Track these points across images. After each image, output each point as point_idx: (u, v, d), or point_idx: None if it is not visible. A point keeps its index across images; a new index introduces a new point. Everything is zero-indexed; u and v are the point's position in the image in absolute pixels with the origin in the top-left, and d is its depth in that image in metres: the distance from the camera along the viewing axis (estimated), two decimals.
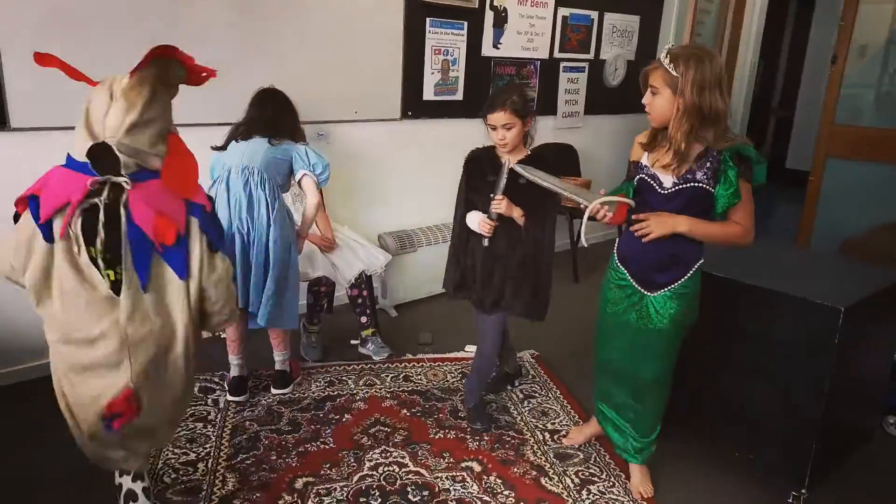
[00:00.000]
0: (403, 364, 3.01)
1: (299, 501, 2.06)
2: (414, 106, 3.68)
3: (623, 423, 2.19)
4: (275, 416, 2.54)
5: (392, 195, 3.75)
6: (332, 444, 2.37)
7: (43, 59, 1.63)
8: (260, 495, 2.08)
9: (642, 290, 2.02)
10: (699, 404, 2.38)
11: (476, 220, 2.31)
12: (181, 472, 2.17)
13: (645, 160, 1.99)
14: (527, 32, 4.13)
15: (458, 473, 2.25)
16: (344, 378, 2.85)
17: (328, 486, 2.15)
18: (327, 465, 2.25)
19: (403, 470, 2.25)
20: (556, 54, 4.35)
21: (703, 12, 4.62)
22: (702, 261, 1.98)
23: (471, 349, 3.18)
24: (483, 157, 2.37)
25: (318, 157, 2.53)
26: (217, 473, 2.17)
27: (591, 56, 4.59)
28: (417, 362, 3.03)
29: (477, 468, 2.28)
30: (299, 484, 2.14)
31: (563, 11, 4.29)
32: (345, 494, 2.11)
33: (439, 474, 2.24)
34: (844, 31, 4.47)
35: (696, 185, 1.87)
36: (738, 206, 1.86)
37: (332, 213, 3.15)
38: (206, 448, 2.31)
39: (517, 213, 2.28)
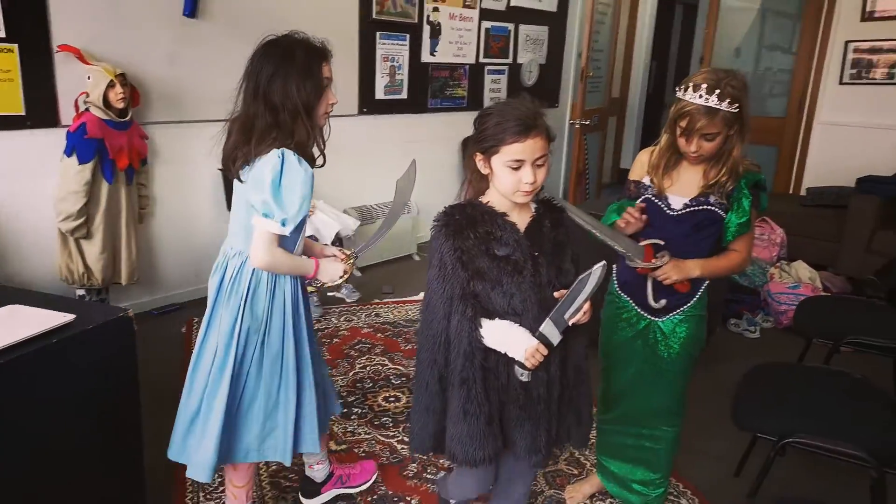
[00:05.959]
0: (373, 306, 3.82)
1: None
2: (368, 103, 4.48)
3: (629, 480, 2.01)
4: None
5: (354, 176, 4.53)
6: (328, 356, 3.15)
7: (65, 47, 2.88)
8: None
9: (648, 317, 1.87)
10: None
11: (522, 348, 1.40)
12: None
13: (647, 180, 1.84)
14: (457, 42, 5.00)
15: None
16: (327, 317, 3.63)
17: (332, 378, 2.93)
18: (329, 369, 3.02)
19: (385, 367, 3.07)
20: (482, 59, 5.25)
21: (598, 23, 5.60)
22: (707, 281, 1.85)
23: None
24: (482, 218, 1.46)
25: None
26: None
27: (510, 60, 5.51)
28: (384, 304, 3.84)
29: None
30: None
31: (486, 24, 5.19)
32: (346, 382, 2.91)
33: (412, 369, 3.06)
34: (708, 36, 5.58)
35: (710, 208, 1.74)
36: (744, 233, 1.76)
37: None
38: None
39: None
